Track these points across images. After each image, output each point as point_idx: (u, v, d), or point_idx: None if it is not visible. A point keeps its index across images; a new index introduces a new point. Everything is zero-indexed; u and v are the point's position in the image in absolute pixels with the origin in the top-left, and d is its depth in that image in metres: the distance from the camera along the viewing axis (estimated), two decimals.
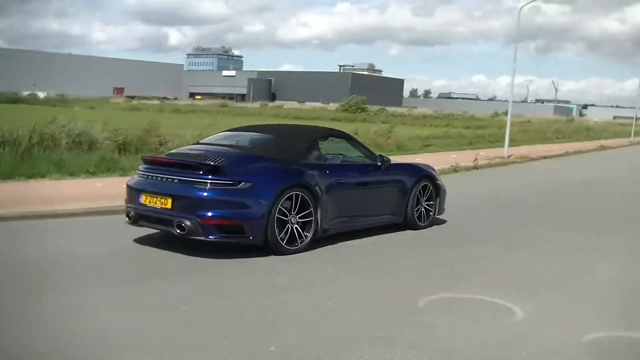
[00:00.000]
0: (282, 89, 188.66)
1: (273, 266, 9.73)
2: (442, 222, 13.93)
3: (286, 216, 10.39)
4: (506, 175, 25.97)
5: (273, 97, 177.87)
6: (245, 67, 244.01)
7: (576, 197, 20.10)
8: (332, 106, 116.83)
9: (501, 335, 7.14)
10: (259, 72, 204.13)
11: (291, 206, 10.46)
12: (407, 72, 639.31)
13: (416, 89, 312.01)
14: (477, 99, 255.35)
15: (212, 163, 10.14)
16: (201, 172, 10.02)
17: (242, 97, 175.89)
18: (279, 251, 10.29)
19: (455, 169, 24.66)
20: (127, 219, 10.80)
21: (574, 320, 7.79)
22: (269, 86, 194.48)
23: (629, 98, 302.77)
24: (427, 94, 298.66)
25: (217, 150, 10.96)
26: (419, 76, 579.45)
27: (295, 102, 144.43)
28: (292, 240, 10.46)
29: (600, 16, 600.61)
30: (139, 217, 10.59)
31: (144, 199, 10.45)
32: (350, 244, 11.48)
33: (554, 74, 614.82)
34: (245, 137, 12.26)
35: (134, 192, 10.79)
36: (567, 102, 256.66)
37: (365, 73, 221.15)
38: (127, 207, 10.90)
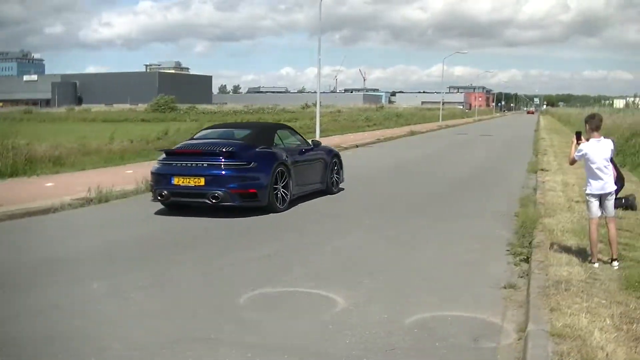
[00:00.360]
0: (88, 92, 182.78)
1: (94, 267, 9.42)
2: (258, 214, 14.00)
3: (276, 185, 14.62)
4: None
5: (79, 101, 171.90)
6: (47, 71, 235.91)
7: (390, 183, 20.64)
8: (141, 107, 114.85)
9: (324, 325, 7.18)
10: (62, 75, 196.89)
11: (277, 178, 14.69)
12: (214, 68, 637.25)
13: (225, 85, 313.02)
14: (287, 91, 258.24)
15: (227, 150, 14.32)
16: (222, 157, 14.14)
17: (47, 102, 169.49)
18: (275, 210, 14.52)
19: None
20: (159, 198, 14.44)
21: (396, 304, 7.98)
22: (74, 90, 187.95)
23: (435, 83, 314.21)
24: (236, 89, 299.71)
25: (222, 142, 15.20)
26: (227, 72, 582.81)
27: (103, 105, 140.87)
28: (280, 201, 14.77)
29: (402, 5, 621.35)
30: (171, 195, 14.26)
31: (176, 180, 14.14)
32: (175, 236, 11.32)
33: (361, 64, 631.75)
34: (230, 132, 16.65)
35: (163, 177, 14.43)
36: (376, 90, 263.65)
37: (173, 71, 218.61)
38: (156, 189, 14.48)
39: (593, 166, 9.39)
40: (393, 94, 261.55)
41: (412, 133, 52.21)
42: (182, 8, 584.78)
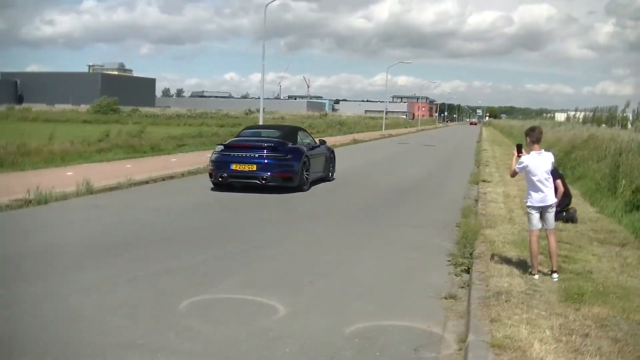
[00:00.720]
0: (29, 91, 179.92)
1: (30, 270, 9.21)
2: (194, 218, 13.88)
3: (302, 172, 19.82)
4: None
5: (20, 100, 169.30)
6: None
7: (330, 191, 20.62)
8: (84, 108, 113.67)
9: (264, 333, 7.11)
10: (3, 73, 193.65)
11: (303, 166, 19.83)
12: (158, 71, 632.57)
13: (168, 89, 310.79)
14: (230, 97, 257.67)
15: (270, 145, 19.65)
16: (266, 151, 19.43)
17: None
18: (302, 189, 19.79)
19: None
20: (219, 179, 19.48)
21: (337, 313, 7.95)
22: (14, 88, 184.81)
23: (379, 92, 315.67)
24: (179, 93, 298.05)
25: (264, 139, 20.62)
26: (171, 75, 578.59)
27: (45, 105, 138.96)
28: (304, 183, 20.04)
29: (347, 13, 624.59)
30: (230, 177, 19.39)
31: (234, 166, 19.30)
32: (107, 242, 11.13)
33: (305, 71, 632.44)
34: (265, 132, 22.26)
35: (223, 164, 19.48)
36: (320, 97, 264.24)
37: (116, 73, 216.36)
38: (217, 173, 19.48)
39: (534, 178, 9.47)
40: (337, 101, 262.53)
41: (355, 141, 52.36)
42: (127, 9, 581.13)
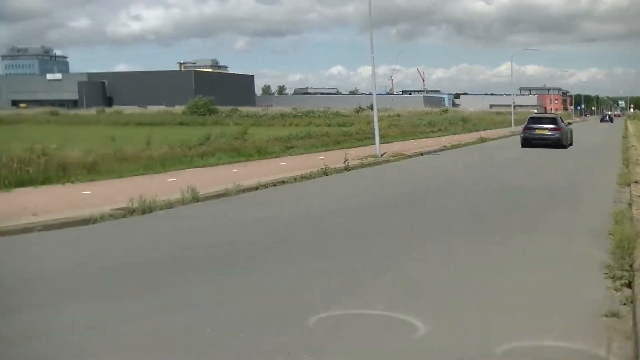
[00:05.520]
0: (118, 93, 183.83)
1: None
2: (321, 226, 13.96)
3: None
4: (380, 175, 26.15)
5: (109, 102, 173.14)
6: (72, 69, 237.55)
7: (465, 194, 20.42)
8: (178, 109, 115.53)
9: (402, 354, 7.08)
10: (89, 74, 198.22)
11: None
12: (256, 67, 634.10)
13: (269, 86, 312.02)
14: (338, 93, 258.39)
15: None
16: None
17: (75, 103, 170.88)
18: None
19: (325, 172, 24.88)
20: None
21: (485, 331, 7.83)
22: (102, 89, 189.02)
23: (504, 84, 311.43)
24: (281, 90, 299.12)
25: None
26: (271, 71, 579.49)
27: (137, 107, 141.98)
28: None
29: None
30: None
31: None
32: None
33: (420, 62, 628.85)
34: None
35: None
36: (437, 91, 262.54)
37: (210, 70, 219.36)
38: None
39: None
40: (457, 95, 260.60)
41: (482, 140, 51.77)
42: (219, 1, 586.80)
